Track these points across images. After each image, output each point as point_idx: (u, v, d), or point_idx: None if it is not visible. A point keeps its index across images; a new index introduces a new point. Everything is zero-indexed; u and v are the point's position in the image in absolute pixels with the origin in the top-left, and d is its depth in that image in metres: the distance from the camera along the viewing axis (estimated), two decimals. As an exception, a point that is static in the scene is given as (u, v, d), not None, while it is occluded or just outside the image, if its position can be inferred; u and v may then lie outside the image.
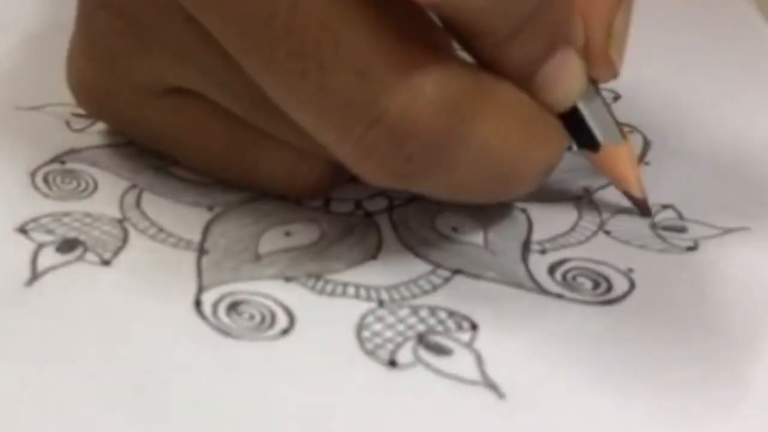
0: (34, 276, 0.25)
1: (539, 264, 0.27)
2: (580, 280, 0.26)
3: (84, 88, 0.28)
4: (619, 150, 0.27)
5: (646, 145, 0.31)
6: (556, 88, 0.25)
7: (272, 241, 0.27)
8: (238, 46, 0.23)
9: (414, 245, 0.27)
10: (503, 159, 0.24)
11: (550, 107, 0.25)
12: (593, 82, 0.26)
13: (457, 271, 0.26)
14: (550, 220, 0.28)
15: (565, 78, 0.25)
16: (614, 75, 0.26)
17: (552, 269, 0.26)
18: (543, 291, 0.26)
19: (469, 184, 0.24)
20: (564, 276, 0.26)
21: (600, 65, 0.26)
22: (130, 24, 0.26)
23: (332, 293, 0.25)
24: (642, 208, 0.28)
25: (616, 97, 0.33)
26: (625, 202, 0.28)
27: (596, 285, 0.26)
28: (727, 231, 0.28)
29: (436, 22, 0.24)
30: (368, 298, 0.25)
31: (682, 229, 0.28)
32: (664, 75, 0.34)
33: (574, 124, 0.26)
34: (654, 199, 0.29)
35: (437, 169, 0.24)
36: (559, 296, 0.26)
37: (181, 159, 0.28)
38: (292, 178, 0.27)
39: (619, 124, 0.27)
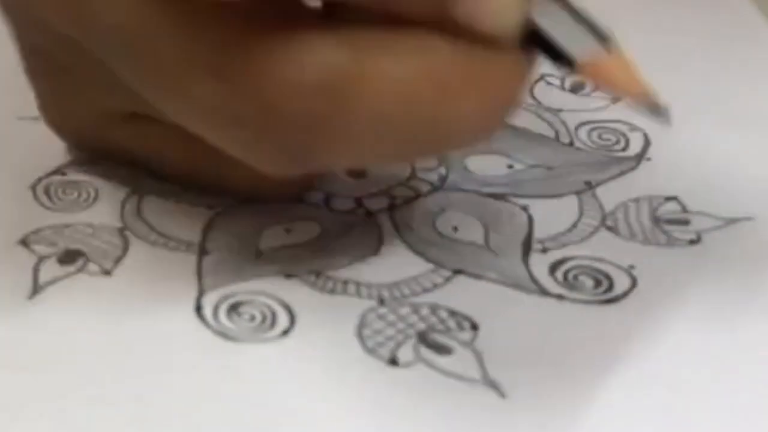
0: (36, 289, 0.25)
1: (540, 264, 0.26)
2: (582, 279, 0.26)
3: (54, 123, 0.28)
4: (606, 59, 0.22)
5: (647, 143, 0.31)
6: (483, 16, 0.21)
7: (273, 238, 0.27)
8: (115, 66, 0.23)
9: (415, 244, 0.27)
10: (416, 117, 0.21)
11: (495, 38, 0.22)
12: None
13: (458, 271, 0.26)
14: (551, 218, 0.28)
15: (488, 1, 0.21)
16: None
17: (553, 269, 0.26)
18: (544, 292, 0.26)
19: (388, 150, 0.22)
20: (565, 276, 0.26)
21: None
22: (56, 64, 0.26)
23: (333, 291, 0.25)
24: (655, 111, 0.23)
25: (615, 100, 0.33)
26: (629, 194, 0.28)
27: (597, 283, 0.26)
28: (731, 221, 0.28)
29: None
30: (369, 296, 0.25)
31: (685, 222, 0.28)
32: (664, 75, 0.34)
33: (541, 46, 0.23)
34: (657, 193, 0.29)
35: (337, 151, 0.22)
36: (560, 297, 0.25)
37: (159, 175, 0.28)
38: (260, 185, 0.26)
39: (600, 31, 0.23)
